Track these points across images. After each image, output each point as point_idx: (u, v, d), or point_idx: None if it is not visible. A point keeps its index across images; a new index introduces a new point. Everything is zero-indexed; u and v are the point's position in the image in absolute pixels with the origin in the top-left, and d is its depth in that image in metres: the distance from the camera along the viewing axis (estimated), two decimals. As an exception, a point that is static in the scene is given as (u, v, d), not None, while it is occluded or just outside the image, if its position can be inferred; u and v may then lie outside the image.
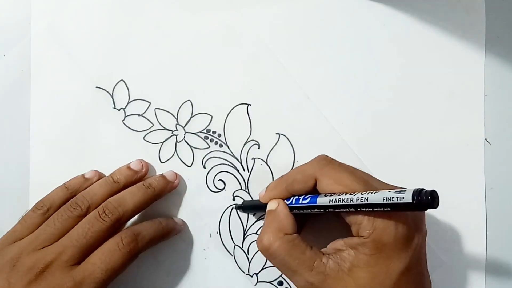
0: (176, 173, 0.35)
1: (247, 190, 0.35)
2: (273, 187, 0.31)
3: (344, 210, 0.26)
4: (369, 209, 0.25)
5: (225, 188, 0.35)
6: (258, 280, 0.34)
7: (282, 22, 0.36)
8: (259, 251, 0.29)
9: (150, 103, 0.35)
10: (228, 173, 0.35)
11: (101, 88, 0.35)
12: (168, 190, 0.34)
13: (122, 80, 0.35)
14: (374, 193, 0.24)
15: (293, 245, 0.27)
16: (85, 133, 0.35)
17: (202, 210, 0.35)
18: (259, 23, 0.36)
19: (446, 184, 0.35)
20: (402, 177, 0.34)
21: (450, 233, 0.35)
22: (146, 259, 0.34)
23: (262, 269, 0.34)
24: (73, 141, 0.35)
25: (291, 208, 0.29)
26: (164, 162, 0.35)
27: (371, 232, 0.25)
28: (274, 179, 0.34)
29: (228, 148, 0.35)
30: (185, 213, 0.35)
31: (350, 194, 0.25)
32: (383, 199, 0.24)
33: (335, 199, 0.26)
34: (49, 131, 0.35)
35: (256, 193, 0.34)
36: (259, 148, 0.35)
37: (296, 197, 0.29)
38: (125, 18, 0.36)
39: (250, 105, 0.35)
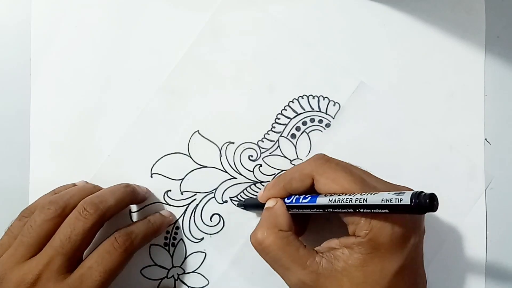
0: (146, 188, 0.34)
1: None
2: (271, 186, 0.31)
3: (343, 210, 0.26)
4: (367, 210, 0.25)
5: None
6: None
7: (282, 22, 0.36)
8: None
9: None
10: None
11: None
12: (143, 194, 0.34)
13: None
14: (373, 195, 0.24)
15: (287, 241, 0.27)
16: (85, 133, 0.35)
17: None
18: (259, 23, 0.36)
19: (446, 184, 0.35)
20: (402, 177, 0.34)
21: (450, 233, 0.35)
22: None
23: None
24: (73, 141, 0.35)
25: (290, 207, 0.29)
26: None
27: (368, 232, 0.25)
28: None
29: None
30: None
31: (349, 195, 0.25)
32: (382, 201, 0.24)
33: (335, 199, 0.26)
34: (49, 131, 0.35)
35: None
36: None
37: (297, 196, 0.29)
38: (125, 18, 0.36)
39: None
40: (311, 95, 0.35)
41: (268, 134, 0.35)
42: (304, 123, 0.35)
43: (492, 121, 0.35)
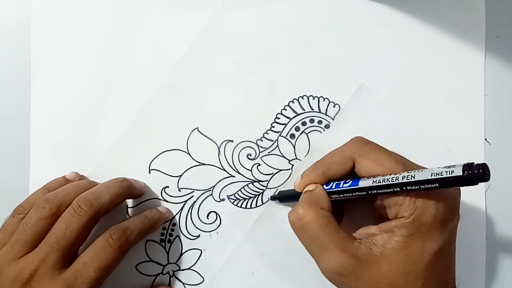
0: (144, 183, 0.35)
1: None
2: (309, 173, 0.30)
3: (388, 190, 0.26)
4: (416, 187, 0.24)
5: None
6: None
7: (282, 22, 0.36)
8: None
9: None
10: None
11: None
12: (140, 189, 0.34)
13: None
14: (421, 171, 0.24)
15: (328, 221, 0.27)
16: (85, 133, 0.35)
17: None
18: (259, 23, 0.36)
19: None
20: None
21: (450, 233, 0.35)
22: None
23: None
24: (73, 141, 0.35)
25: (330, 193, 0.29)
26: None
27: (412, 212, 0.25)
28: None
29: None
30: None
31: (394, 174, 0.25)
32: (431, 175, 0.24)
33: (379, 180, 0.26)
34: (49, 131, 0.35)
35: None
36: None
37: (336, 182, 0.29)
38: (125, 18, 0.36)
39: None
40: (311, 95, 0.35)
41: (267, 134, 0.35)
42: (304, 124, 0.35)
43: (492, 121, 0.35)
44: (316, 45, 0.36)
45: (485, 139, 0.35)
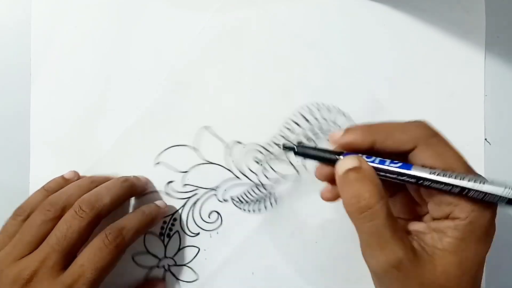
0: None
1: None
2: (357, 132, 0.27)
3: (447, 188, 0.24)
4: (480, 196, 0.23)
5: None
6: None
7: (282, 22, 0.36)
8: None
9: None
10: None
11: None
12: (144, 187, 0.34)
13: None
14: (492, 183, 0.23)
15: (391, 210, 0.24)
16: (85, 133, 0.35)
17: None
18: (259, 23, 0.36)
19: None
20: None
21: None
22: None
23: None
24: (73, 141, 0.35)
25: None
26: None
27: (469, 214, 0.24)
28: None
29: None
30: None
31: (460, 175, 0.24)
32: (504, 191, 0.23)
33: (440, 173, 0.24)
34: (49, 131, 0.35)
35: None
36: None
37: (380, 158, 0.26)
38: (125, 18, 0.36)
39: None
40: (322, 103, 0.35)
41: (276, 139, 0.35)
42: (313, 131, 0.35)
43: (492, 121, 0.35)
44: (316, 45, 0.36)
45: (485, 139, 0.35)
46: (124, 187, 0.32)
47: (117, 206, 0.31)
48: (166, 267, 0.35)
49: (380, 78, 0.36)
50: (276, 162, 0.35)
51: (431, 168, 0.25)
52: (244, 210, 0.35)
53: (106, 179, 0.33)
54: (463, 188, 0.24)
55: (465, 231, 0.24)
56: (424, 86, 0.36)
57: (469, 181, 0.24)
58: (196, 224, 0.35)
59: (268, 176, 0.35)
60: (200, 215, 0.35)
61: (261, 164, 0.35)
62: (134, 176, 0.34)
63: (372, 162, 0.26)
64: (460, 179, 0.24)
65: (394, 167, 0.25)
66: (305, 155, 0.28)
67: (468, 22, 0.36)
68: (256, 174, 0.35)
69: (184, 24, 0.36)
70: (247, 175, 0.35)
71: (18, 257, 0.29)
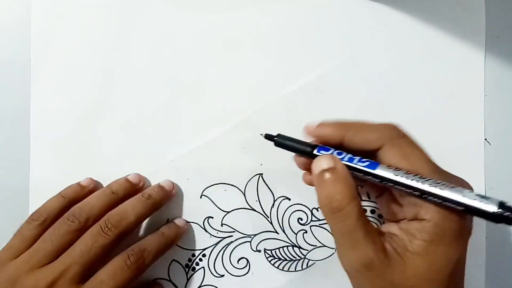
0: (172, 182, 0.34)
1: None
2: (329, 127, 0.28)
3: (408, 190, 0.24)
4: (438, 200, 0.23)
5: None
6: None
7: (282, 22, 0.36)
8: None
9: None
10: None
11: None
12: (167, 200, 0.34)
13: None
14: (452, 188, 0.23)
15: (362, 210, 0.25)
16: (85, 134, 0.35)
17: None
18: (259, 24, 0.36)
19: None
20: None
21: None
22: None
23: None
24: (73, 141, 0.35)
25: None
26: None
27: (434, 215, 0.24)
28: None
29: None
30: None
31: (421, 178, 0.24)
32: (462, 198, 0.23)
33: (402, 175, 0.24)
34: (49, 132, 0.35)
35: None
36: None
37: (350, 155, 0.26)
38: (125, 18, 0.36)
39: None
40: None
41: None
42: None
43: (492, 121, 0.35)
44: (316, 45, 0.36)
45: (485, 139, 0.35)
46: (149, 204, 0.32)
47: (140, 223, 0.32)
48: None
49: (380, 78, 0.35)
50: (319, 229, 0.35)
51: (396, 169, 0.25)
52: (274, 265, 0.34)
53: (124, 187, 0.33)
54: (422, 191, 0.24)
55: (433, 234, 0.24)
56: (424, 86, 0.36)
57: (430, 185, 0.24)
58: (224, 266, 0.34)
59: (306, 240, 0.35)
60: (230, 259, 0.35)
61: (303, 227, 0.34)
62: (157, 186, 0.33)
63: (342, 159, 0.26)
64: (421, 183, 0.24)
65: (360, 166, 0.26)
66: (284, 146, 0.29)
67: (468, 22, 0.36)
68: (295, 234, 0.35)
69: (184, 24, 0.36)
70: (286, 232, 0.35)
71: (36, 266, 0.29)
